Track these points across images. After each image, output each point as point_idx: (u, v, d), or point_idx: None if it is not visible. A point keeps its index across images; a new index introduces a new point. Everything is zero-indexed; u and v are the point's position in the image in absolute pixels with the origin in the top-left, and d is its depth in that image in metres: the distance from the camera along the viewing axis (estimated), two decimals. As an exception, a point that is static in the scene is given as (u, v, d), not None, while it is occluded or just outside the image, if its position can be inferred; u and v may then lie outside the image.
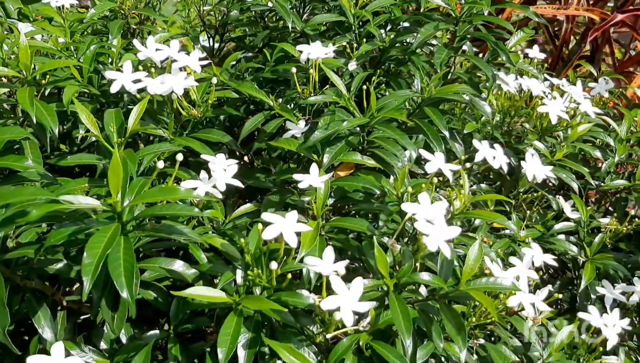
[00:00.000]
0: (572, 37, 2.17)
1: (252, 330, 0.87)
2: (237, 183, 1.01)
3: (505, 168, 1.23)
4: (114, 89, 1.08)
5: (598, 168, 1.46)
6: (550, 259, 1.14)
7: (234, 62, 1.34)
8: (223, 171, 1.01)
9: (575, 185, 1.33)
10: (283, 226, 0.83)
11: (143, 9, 1.28)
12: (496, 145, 1.25)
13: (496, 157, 1.23)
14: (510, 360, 1.03)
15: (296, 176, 0.96)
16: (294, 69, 1.11)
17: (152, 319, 1.15)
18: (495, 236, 1.31)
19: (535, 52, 1.74)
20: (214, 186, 0.99)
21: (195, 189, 0.98)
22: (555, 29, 2.21)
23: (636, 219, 1.34)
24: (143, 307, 1.06)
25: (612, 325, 1.10)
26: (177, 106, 1.10)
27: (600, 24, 1.80)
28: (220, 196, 1.00)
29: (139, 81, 1.09)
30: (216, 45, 1.50)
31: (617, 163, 1.44)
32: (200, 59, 1.13)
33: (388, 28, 1.30)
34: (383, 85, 1.22)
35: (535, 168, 1.25)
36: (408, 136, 1.04)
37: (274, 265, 0.81)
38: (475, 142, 1.23)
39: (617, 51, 2.28)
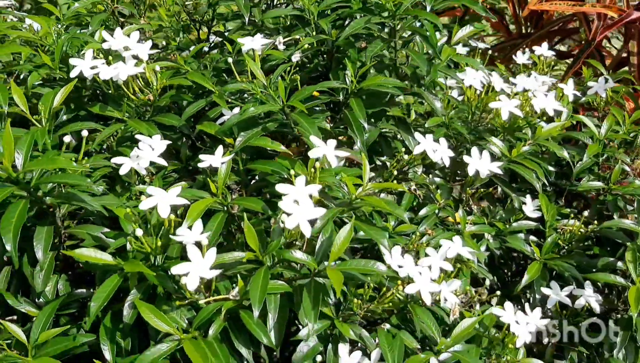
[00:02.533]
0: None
1: (141, 292, 0.96)
2: (162, 161, 1.10)
3: (447, 162, 1.24)
4: (72, 74, 1.21)
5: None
6: (467, 252, 1.13)
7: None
8: (150, 149, 1.11)
9: (537, 184, 1.31)
10: (159, 199, 0.91)
11: (125, 4, 1.41)
12: (441, 139, 1.26)
13: (437, 150, 1.24)
14: (411, 345, 1.05)
15: (201, 156, 1.04)
16: (230, 59, 1.19)
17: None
18: (446, 229, 1.31)
19: (542, 50, 1.70)
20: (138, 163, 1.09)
21: (122, 164, 1.09)
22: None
23: (595, 222, 1.29)
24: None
25: (524, 323, 1.08)
26: (126, 91, 1.21)
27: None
28: (143, 171, 1.10)
29: (95, 67, 1.21)
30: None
31: (589, 164, 1.39)
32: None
33: (347, 22, 1.34)
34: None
35: (478, 163, 1.25)
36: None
37: (138, 231, 0.89)
38: (417, 135, 1.25)
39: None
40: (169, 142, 1.13)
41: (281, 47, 1.26)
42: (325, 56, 1.33)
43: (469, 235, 1.28)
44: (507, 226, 1.35)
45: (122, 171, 1.09)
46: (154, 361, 0.86)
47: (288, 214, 0.88)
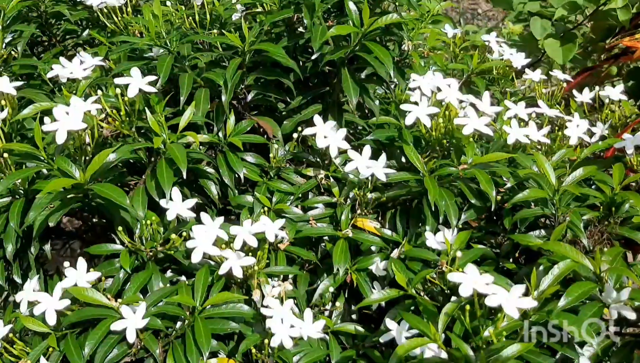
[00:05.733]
0: None
1: None
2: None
3: (321, 144, 1.20)
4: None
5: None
6: (272, 233, 1.07)
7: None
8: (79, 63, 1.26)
9: (452, 217, 1.14)
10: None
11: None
12: (340, 131, 1.19)
13: (327, 136, 1.18)
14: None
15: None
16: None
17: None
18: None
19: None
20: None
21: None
22: None
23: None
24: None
25: (288, 325, 0.98)
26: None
27: None
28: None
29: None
30: None
31: (530, 214, 1.15)
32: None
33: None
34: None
35: (362, 162, 1.15)
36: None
37: None
38: (316, 118, 1.20)
39: None
40: (101, 58, 1.28)
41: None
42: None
43: (345, 237, 1.18)
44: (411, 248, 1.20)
45: (49, 75, 1.27)
46: None
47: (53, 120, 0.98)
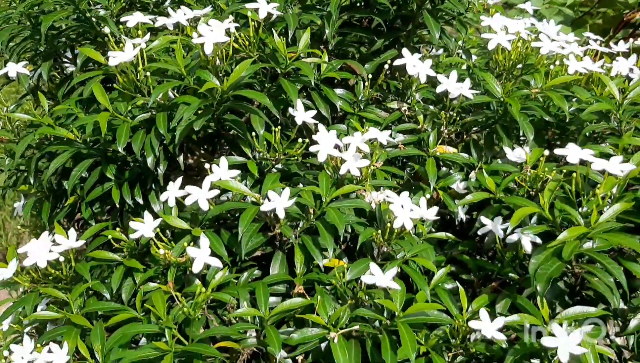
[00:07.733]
0: None
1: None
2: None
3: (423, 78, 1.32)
4: None
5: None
6: (383, 138, 1.20)
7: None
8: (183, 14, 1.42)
9: (529, 131, 1.30)
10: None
11: None
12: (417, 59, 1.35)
13: (416, 65, 1.33)
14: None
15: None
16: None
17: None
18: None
19: None
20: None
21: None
22: None
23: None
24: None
25: (408, 209, 1.11)
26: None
27: None
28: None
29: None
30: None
31: (599, 128, 1.31)
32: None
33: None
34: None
35: (450, 85, 1.30)
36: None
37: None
38: (404, 50, 1.36)
39: None
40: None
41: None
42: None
43: (433, 155, 1.33)
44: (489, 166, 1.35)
45: (156, 24, 1.41)
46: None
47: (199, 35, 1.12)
